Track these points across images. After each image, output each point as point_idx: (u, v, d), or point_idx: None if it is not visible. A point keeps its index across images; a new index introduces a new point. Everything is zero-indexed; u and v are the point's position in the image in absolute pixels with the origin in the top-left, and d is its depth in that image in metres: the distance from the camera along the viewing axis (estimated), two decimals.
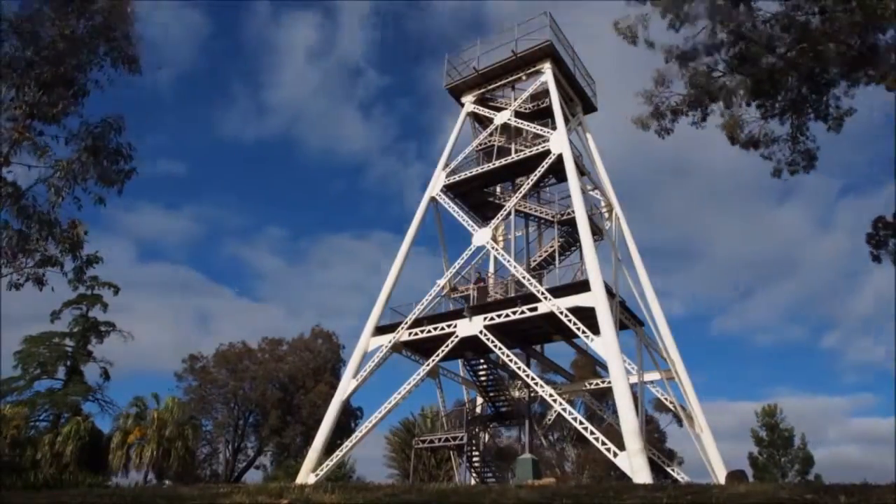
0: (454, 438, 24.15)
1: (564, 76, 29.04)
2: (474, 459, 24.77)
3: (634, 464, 17.64)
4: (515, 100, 28.84)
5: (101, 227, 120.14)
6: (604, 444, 19.16)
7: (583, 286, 21.46)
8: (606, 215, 27.88)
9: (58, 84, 13.27)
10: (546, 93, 27.79)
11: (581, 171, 26.48)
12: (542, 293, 21.90)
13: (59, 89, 13.31)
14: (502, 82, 29.55)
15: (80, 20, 13.48)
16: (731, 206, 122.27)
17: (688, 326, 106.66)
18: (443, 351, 23.21)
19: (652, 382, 25.62)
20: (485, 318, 22.75)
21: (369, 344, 25.12)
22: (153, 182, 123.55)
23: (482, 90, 29.92)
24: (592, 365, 33.15)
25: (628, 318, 23.79)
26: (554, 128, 26.00)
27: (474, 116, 30.31)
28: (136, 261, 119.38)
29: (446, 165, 28.35)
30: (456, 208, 27.34)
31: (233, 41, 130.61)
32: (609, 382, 21.56)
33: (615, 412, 22.46)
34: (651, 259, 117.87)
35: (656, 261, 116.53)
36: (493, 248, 25.33)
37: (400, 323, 24.72)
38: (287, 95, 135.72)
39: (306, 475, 22.86)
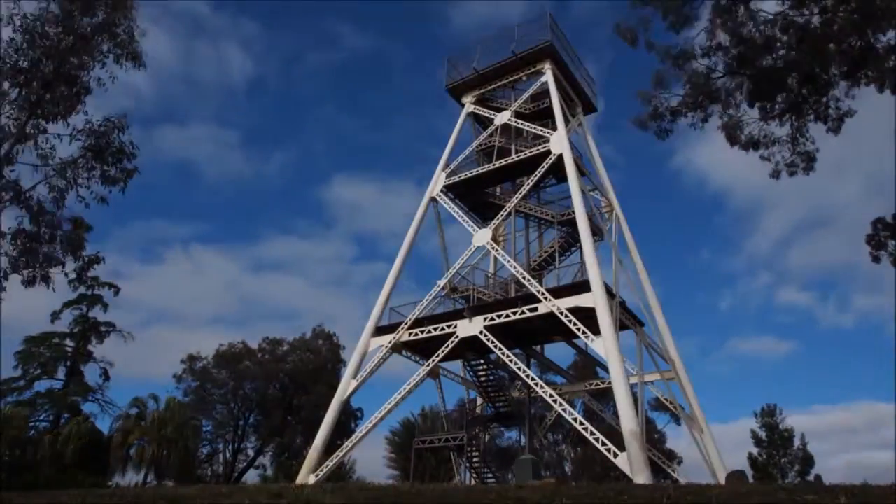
0: (454, 439, 24.15)
1: (565, 76, 29.06)
2: (474, 460, 24.77)
3: (634, 464, 17.64)
4: (515, 100, 28.86)
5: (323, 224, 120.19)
6: (604, 444, 19.16)
7: (583, 286, 21.46)
8: (606, 216, 27.90)
9: (60, 82, 13.26)
10: (546, 93, 27.81)
11: (581, 172, 26.49)
12: (543, 293, 21.91)
13: (61, 88, 13.30)
14: (502, 83, 29.59)
15: (83, 18, 13.47)
16: None
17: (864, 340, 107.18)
18: (443, 351, 23.21)
19: (652, 383, 25.62)
20: (485, 319, 22.75)
21: (369, 344, 25.12)
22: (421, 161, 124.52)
23: (482, 90, 29.96)
24: (592, 365, 33.15)
25: (628, 319, 23.79)
26: (554, 128, 26.01)
27: (474, 117, 30.32)
28: (354, 259, 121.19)
29: (446, 166, 28.37)
30: (456, 208, 27.37)
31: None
32: (609, 383, 21.57)
33: (615, 413, 22.46)
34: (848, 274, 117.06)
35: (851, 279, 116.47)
36: (493, 248, 25.34)
37: (400, 323, 24.73)
38: None
39: (306, 475, 22.86)
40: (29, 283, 13.33)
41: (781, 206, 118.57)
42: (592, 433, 19.52)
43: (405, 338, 24.49)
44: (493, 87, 29.83)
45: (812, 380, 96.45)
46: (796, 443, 43.75)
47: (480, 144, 28.89)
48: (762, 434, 44.67)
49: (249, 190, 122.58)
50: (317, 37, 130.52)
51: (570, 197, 24.89)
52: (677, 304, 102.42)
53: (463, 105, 30.19)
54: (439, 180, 27.93)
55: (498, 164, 26.94)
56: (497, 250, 25.59)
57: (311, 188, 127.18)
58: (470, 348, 23.89)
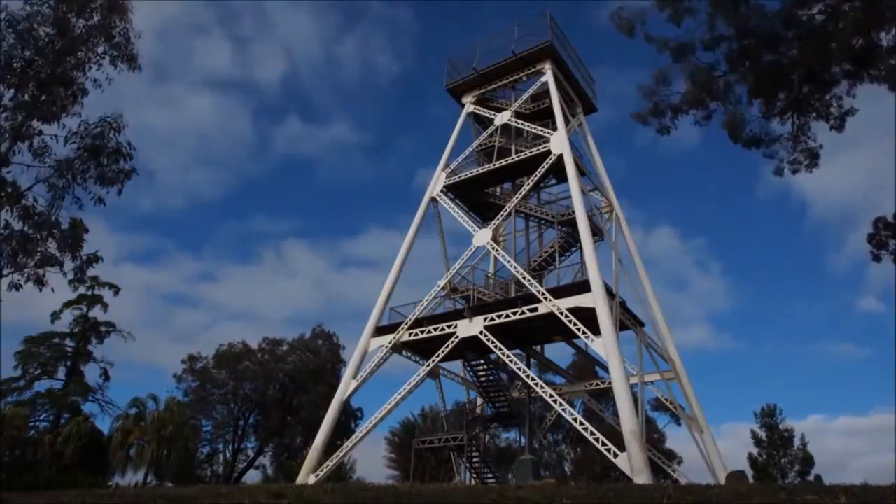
0: (454, 439, 24.11)
1: (565, 76, 29.05)
2: (474, 460, 24.75)
3: (634, 464, 17.61)
4: (516, 100, 28.85)
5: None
6: (604, 444, 19.13)
7: (583, 286, 21.44)
8: (606, 216, 27.89)
9: (56, 83, 13.24)
10: (546, 93, 27.79)
11: (581, 172, 26.48)
12: (543, 294, 21.89)
13: (57, 88, 13.28)
14: (503, 83, 29.59)
15: (79, 18, 13.45)
16: None
17: None
18: (443, 351, 23.19)
19: (652, 383, 25.59)
20: (485, 319, 22.73)
21: (369, 344, 25.10)
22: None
23: (482, 90, 29.94)
24: (592, 365, 33.14)
25: (628, 319, 23.78)
26: (554, 128, 26.00)
27: (475, 117, 30.31)
28: (455, 257, 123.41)
29: (447, 166, 28.35)
30: (456, 209, 27.35)
31: None
32: (609, 383, 21.55)
33: (615, 413, 22.44)
34: None
35: None
36: (493, 248, 25.33)
37: (400, 323, 24.71)
38: None
39: (306, 475, 22.83)
40: (16, 287, 13.22)
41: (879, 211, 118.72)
42: (592, 433, 19.50)
43: (405, 338, 24.47)
44: (493, 87, 29.82)
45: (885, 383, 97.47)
46: (796, 443, 43.74)
47: (480, 144, 28.88)
48: (762, 434, 44.64)
49: (366, 185, 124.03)
50: (463, 31, 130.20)
51: (570, 197, 24.88)
52: (765, 309, 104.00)
53: (463, 105, 30.18)
54: (439, 180, 27.92)
55: (498, 164, 26.93)
56: (497, 250, 25.57)
57: (417, 182, 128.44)
58: (470, 348, 23.86)
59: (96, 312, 41.80)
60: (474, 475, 24.71)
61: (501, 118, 28.10)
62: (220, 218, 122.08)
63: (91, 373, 41.81)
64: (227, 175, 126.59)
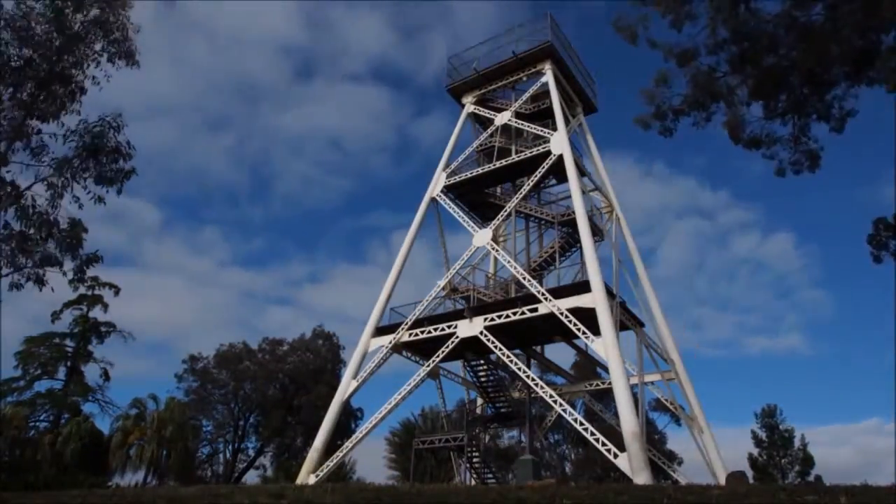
0: (454, 439, 24.11)
1: (565, 77, 29.05)
2: (474, 460, 24.75)
3: (635, 465, 17.61)
4: (516, 100, 28.86)
5: None
6: (604, 445, 19.13)
7: (583, 287, 21.44)
8: (606, 216, 27.90)
9: (54, 82, 13.21)
10: (546, 94, 27.79)
11: (581, 172, 26.48)
12: (543, 294, 21.89)
13: (55, 87, 13.25)
14: (503, 83, 29.58)
15: (75, 14, 13.39)
16: None
17: None
18: (443, 352, 23.19)
19: (652, 383, 25.59)
20: (485, 319, 22.73)
21: (370, 345, 25.11)
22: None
23: (483, 91, 29.94)
24: (593, 366, 33.13)
25: (629, 319, 23.77)
26: (554, 129, 26.00)
27: (475, 117, 30.31)
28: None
29: (447, 166, 28.35)
30: (456, 209, 27.35)
31: None
32: (609, 383, 21.55)
33: (615, 413, 22.43)
34: None
35: None
36: (493, 248, 25.33)
37: (400, 324, 24.71)
38: None
39: (306, 476, 22.84)
40: (16, 286, 13.22)
41: None
42: (593, 433, 19.50)
43: (405, 338, 24.47)
44: (493, 87, 29.82)
45: None
46: (796, 443, 43.72)
47: (481, 145, 28.88)
48: (762, 434, 44.63)
49: None
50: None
51: (570, 197, 24.89)
52: (856, 314, 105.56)
53: (463, 105, 30.18)
54: (439, 181, 27.92)
55: (498, 164, 26.93)
56: (497, 251, 25.57)
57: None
58: (470, 348, 23.86)
59: (96, 312, 41.80)
60: (474, 475, 24.71)
61: (501, 118, 28.11)
62: (341, 216, 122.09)
63: (91, 373, 41.83)
64: (356, 178, 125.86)
